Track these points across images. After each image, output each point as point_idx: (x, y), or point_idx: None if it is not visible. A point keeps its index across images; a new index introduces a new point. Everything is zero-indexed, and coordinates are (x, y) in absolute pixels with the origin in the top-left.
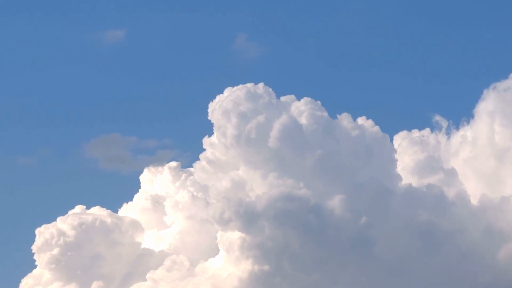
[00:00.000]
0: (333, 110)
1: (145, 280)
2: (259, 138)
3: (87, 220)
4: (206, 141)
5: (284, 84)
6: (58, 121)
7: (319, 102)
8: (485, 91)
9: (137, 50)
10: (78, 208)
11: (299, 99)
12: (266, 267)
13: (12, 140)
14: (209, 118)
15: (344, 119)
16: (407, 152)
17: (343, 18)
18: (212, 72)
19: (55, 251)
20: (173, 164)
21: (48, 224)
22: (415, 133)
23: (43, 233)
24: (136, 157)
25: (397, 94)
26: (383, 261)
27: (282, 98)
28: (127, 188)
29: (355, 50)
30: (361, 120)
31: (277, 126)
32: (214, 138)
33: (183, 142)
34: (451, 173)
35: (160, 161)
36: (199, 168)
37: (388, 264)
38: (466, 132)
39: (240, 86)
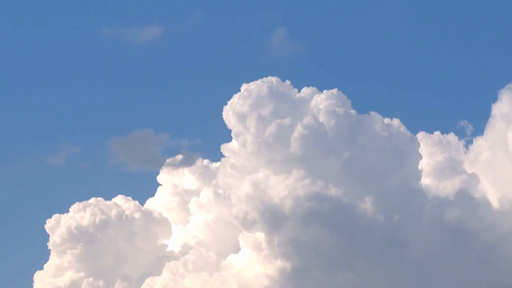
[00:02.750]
0: (358, 108)
1: (168, 274)
2: (281, 141)
3: (110, 215)
4: (225, 147)
5: (313, 81)
6: (89, 117)
7: (349, 101)
8: (499, 92)
9: (174, 45)
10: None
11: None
12: (296, 266)
13: (40, 138)
14: (228, 126)
15: (373, 118)
16: (424, 154)
17: (377, 20)
18: (247, 69)
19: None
20: (199, 162)
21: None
22: (436, 135)
23: (56, 227)
24: (166, 155)
25: (425, 95)
26: (413, 260)
27: (302, 93)
28: (154, 186)
29: (385, 51)
30: (386, 120)
31: (299, 128)
32: (233, 144)
33: (215, 141)
34: (467, 175)
35: (189, 160)
36: (222, 172)
37: (418, 263)
38: (482, 135)
39: (259, 81)
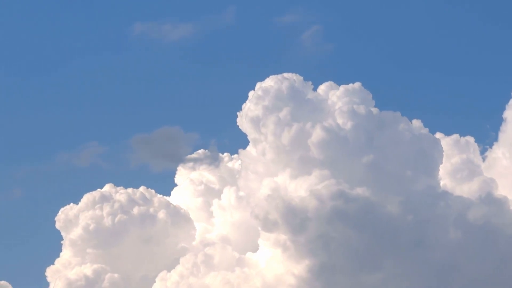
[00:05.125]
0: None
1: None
2: (301, 143)
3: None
4: (243, 153)
5: (336, 81)
6: (114, 114)
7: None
8: None
9: (205, 42)
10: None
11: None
12: (321, 265)
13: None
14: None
15: (396, 118)
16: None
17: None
18: (275, 66)
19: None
20: (223, 163)
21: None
22: (454, 136)
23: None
24: (193, 154)
25: (449, 97)
26: (440, 259)
27: (321, 90)
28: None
29: (407, 55)
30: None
31: (320, 130)
32: (251, 149)
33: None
34: (485, 177)
35: (213, 160)
36: (243, 175)
37: (445, 263)
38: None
39: (279, 77)
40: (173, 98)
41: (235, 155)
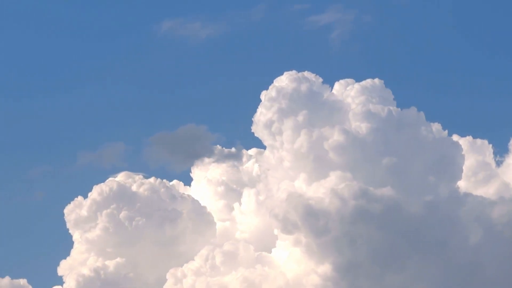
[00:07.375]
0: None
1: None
2: (319, 147)
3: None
4: (260, 158)
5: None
6: (139, 111)
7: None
8: None
9: (235, 40)
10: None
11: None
12: (343, 264)
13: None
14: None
15: (416, 120)
16: None
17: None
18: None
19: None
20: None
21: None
22: (468, 139)
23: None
24: (214, 155)
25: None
26: (463, 260)
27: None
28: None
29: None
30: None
31: (338, 133)
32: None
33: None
34: (500, 178)
35: (239, 160)
36: (263, 178)
37: (468, 263)
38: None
39: (293, 73)
40: (199, 97)
41: (253, 149)
